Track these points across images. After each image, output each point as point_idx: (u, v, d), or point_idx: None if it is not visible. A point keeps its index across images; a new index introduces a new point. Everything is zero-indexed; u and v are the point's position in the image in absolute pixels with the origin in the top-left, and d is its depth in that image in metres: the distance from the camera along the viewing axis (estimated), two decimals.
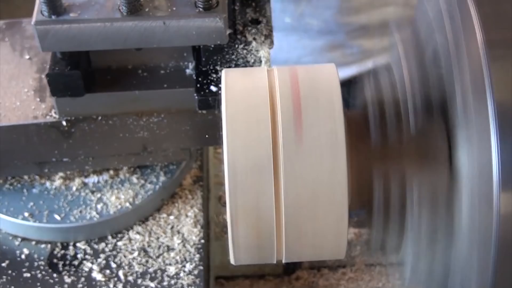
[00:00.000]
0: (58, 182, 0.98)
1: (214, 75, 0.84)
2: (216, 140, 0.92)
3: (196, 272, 0.93)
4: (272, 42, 0.85)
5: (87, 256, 0.94)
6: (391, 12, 1.28)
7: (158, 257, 0.94)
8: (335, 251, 0.69)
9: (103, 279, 0.92)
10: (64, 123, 0.90)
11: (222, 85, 0.68)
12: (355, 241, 1.15)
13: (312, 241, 0.67)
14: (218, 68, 0.85)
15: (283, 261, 0.70)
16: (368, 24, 1.29)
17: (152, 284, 0.91)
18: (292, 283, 1.17)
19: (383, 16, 1.29)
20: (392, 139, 0.71)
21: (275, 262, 0.70)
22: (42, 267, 0.93)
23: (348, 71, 1.22)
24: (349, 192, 0.66)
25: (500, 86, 0.61)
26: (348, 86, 0.78)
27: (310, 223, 0.66)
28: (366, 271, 1.16)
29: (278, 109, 0.66)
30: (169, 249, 0.95)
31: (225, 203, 0.66)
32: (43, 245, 0.95)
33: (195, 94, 0.84)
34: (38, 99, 0.91)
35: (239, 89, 0.67)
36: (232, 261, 0.69)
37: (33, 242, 0.96)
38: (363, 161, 0.70)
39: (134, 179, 0.98)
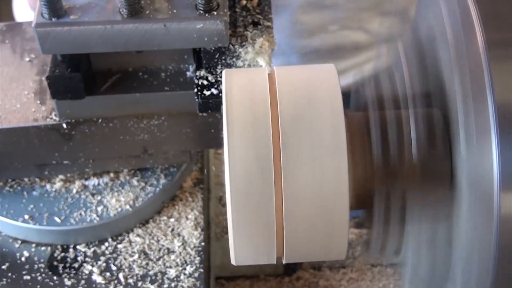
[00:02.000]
0: (58, 184, 0.98)
1: (215, 78, 0.84)
2: (217, 142, 0.93)
3: (196, 274, 0.92)
4: (273, 44, 0.85)
5: (87, 259, 0.94)
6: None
7: (158, 259, 0.94)
8: (336, 251, 0.69)
9: (103, 282, 0.92)
10: (64, 125, 0.90)
11: (223, 86, 0.68)
12: (356, 241, 1.14)
13: (313, 241, 0.67)
14: (219, 70, 0.85)
15: (284, 262, 0.70)
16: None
17: (152, 287, 0.91)
18: (292, 283, 1.17)
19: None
20: (393, 141, 0.71)
21: (275, 262, 0.70)
22: (42, 270, 0.93)
23: (345, 80, 1.22)
24: (349, 192, 0.66)
25: (500, 87, 0.61)
26: (349, 90, 0.78)
27: (310, 224, 0.66)
28: (367, 271, 1.16)
29: (279, 109, 0.66)
30: (170, 251, 0.94)
31: (225, 203, 0.66)
32: (43, 248, 0.95)
33: (196, 97, 0.84)
34: (39, 102, 0.91)
35: (239, 89, 0.67)
36: (232, 262, 0.69)
37: (33, 245, 0.95)
38: (364, 161, 0.70)
39: (134, 181, 0.98)
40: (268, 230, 0.66)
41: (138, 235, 0.96)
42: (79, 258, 0.94)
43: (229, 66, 0.84)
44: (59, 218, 0.95)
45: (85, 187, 0.98)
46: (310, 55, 1.30)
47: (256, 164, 0.65)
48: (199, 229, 0.96)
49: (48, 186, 0.98)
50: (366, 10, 1.28)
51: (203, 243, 0.95)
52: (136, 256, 0.94)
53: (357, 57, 1.31)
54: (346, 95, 0.73)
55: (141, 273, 0.93)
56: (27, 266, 0.93)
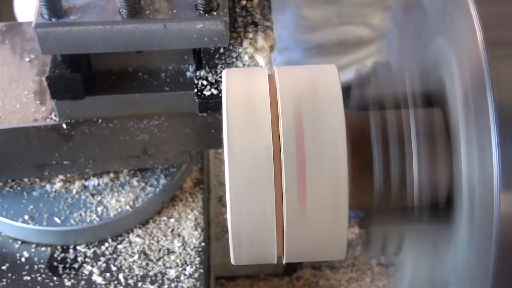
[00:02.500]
0: (58, 185, 0.98)
1: (215, 78, 0.84)
2: (217, 143, 0.93)
3: (196, 275, 0.92)
4: (273, 44, 0.85)
5: (87, 259, 0.94)
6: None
7: (158, 260, 0.94)
8: (335, 251, 0.69)
9: (103, 282, 0.92)
10: (64, 126, 0.90)
11: (223, 86, 0.68)
12: (356, 241, 1.15)
13: (313, 241, 0.67)
14: (218, 70, 0.85)
15: (284, 262, 0.70)
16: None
17: (152, 287, 0.91)
18: (292, 283, 1.17)
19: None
20: (393, 141, 0.71)
21: (275, 262, 0.70)
22: (42, 270, 0.93)
23: (347, 75, 1.23)
24: (349, 192, 0.66)
25: (500, 86, 0.61)
26: (349, 87, 0.78)
27: (310, 223, 0.66)
28: (367, 271, 1.17)
29: (279, 109, 0.66)
30: (170, 252, 0.94)
31: (225, 203, 0.66)
32: (43, 248, 0.95)
33: (196, 97, 0.84)
34: (38, 102, 0.91)
35: (240, 89, 0.67)
36: (232, 261, 0.69)
37: (33, 245, 0.96)
38: (364, 162, 0.70)
39: (134, 182, 0.98)
40: (268, 229, 0.66)
41: (138, 236, 0.96)
42: (79, 259, 0.94)
43: (229, 66, 0.84)
44: (59, 219, 0.95)
45: (85, 187, 0.98)
46: (314, 50, 1.31)
47: (256, 164, 0.65)
48: (199, 230, 0.96)
49: (48, 186, 0.98)
50: (369, 5, 1.29)
51: (203, 244, 0.95)
52: (136, 256, 0.94)
53: (360, 52, 1.31)
54: (348, 91, 0.73)
55: (141, 273, 0.93)
56: (27, 267, 0.93)
